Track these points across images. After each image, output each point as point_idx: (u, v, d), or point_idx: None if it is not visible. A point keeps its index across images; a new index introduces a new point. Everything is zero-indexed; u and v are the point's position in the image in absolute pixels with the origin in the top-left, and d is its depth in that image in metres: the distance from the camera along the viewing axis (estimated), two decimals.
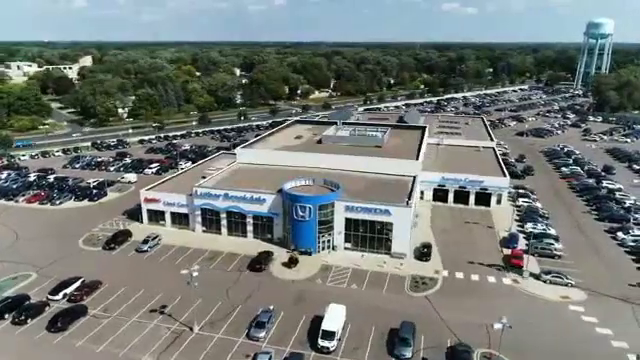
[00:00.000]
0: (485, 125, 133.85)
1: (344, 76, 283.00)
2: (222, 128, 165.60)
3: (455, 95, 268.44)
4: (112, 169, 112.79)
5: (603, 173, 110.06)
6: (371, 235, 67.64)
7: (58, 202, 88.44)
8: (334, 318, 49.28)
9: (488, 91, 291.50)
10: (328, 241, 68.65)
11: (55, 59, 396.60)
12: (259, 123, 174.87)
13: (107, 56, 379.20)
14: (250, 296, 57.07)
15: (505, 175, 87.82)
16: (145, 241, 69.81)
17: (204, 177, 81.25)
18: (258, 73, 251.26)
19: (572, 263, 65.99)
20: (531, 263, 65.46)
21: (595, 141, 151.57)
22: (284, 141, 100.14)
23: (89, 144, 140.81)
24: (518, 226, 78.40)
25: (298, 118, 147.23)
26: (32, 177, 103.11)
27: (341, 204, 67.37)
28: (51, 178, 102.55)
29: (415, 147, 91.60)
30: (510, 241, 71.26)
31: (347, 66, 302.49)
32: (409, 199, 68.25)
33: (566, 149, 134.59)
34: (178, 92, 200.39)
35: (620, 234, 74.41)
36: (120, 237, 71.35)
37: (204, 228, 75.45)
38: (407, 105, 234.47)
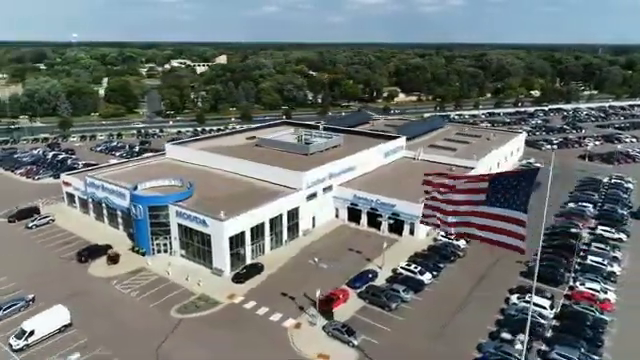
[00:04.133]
0: (506, 143, 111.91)
1: (436, 79, 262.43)
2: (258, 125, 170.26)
3: (564, 106, 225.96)
4: (117, 154, 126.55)
5: (628, 218, 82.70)
6: (198, 245, 63.86)
7: (37, 177, 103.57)
8: (44, 319, 48.72)
9: (618, 103, 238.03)
10: (165, 245, 66.97)
11: (212, 57, 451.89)
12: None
13: (252, 55, 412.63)
14: (42, 284, 59.15)
15: (419, 202, 72.41)
16: (35, 219, 77.71)
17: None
18: (340, 73, 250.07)
19: (383, 316, 52.19)
20: (352, 309, 54.31)
21: None
22: (232, 141, 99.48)
23: (134, 132, 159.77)
24: (406, 264, 64.72)
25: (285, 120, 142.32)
26: (49, 155, 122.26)
27: (173, 208, 64.97)
28: (59, 157, 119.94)
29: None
30: (356, 280, 59.52)
31: (456, 68, 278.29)
32: (239, 213, 62.14)
33: (615, 181, 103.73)
34: (247, 90, 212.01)
35: (513, 297, 55.73)
36: (24, 213, 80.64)
37: (95, 215, 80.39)
38: (490, 114, 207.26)
